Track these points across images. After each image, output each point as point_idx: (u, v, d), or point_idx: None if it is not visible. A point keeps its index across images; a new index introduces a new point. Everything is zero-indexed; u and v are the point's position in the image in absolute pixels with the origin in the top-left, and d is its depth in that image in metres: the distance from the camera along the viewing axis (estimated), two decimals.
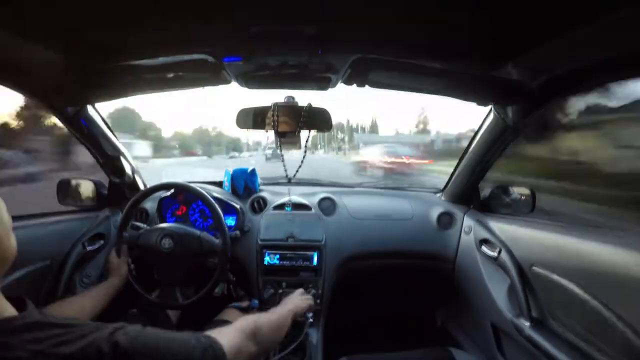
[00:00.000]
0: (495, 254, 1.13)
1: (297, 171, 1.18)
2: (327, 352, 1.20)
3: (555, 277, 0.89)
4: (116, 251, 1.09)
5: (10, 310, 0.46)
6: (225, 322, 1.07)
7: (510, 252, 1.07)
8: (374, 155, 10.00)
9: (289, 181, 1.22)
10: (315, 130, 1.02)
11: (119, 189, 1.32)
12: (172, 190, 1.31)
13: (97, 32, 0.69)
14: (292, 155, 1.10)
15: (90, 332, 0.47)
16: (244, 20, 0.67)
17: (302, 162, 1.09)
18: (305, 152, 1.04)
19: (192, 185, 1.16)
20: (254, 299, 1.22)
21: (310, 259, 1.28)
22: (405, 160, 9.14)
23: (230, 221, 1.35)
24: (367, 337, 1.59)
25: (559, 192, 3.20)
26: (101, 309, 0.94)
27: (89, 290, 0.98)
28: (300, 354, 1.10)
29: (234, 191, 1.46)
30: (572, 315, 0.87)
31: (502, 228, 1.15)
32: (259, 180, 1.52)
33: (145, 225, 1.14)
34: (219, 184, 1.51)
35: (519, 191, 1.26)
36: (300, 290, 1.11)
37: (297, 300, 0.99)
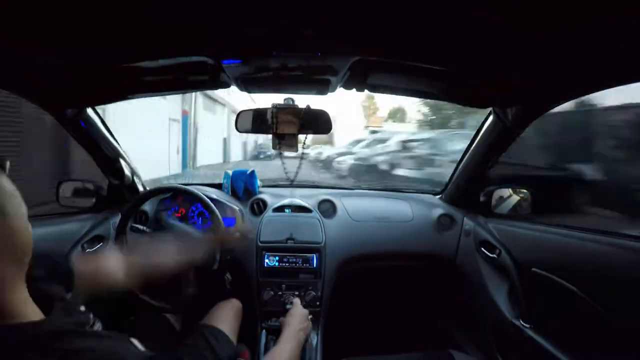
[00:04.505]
0: (495, 255, 1.13)
1: (296, 173, 1.18)
2: (327, 354, 1.19)
3: (555, 278, 0.88)
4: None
5: (35, 313, 0.43)
6: (211, 328, 1.03)
7: (510, 254, 1.07)
8: None
9: (291, 183, 1.21)
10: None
11: (118, 191, 1.32)
12: (171, 192, 1.31)
13: (96, 34, 0.69)
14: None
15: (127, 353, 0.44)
16: (243, 22, 0.67)
17: (300, 164, 1.09)
18: (303, 154, 1.04)
19: (190, 187, 1.16)
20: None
21: (310, 261, 1.28)
22: None
23: (229, 223, 1.34)
24: (366, 339, 1.59)
25: None
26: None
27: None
28: (300, 356, 1.09)
29: (234, 193, 1.46)
30: (572, 317, 0.87)
31: (502, 229, 1.15)
32: (259, 183, 1.52)
33: (144, 228, 1.13)
34: (219, 186, 1.51)
35: (518, 193, 1.26)
36: (306, 312, 1.03)
37: (304, 325, 0.96)
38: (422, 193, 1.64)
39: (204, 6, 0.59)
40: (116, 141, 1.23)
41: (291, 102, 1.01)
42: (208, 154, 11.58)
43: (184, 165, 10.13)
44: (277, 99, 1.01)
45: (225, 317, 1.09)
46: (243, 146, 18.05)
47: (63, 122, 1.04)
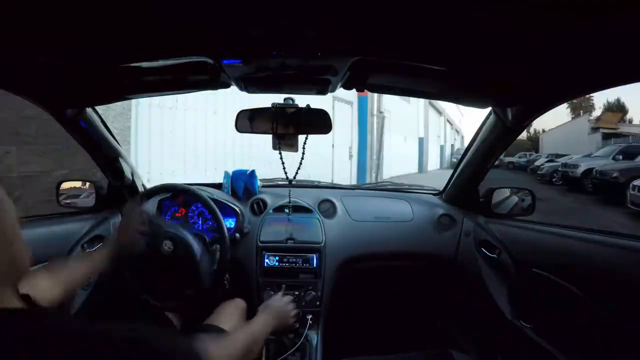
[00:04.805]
0: (495, 255, 1.13)
1: (296, 173, 1.18)
2: (327, 354, 1.19)
3: (555, 278, 0.89)
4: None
5: (18, 304, 0.43)
6: (214, 327, 1.02)
7: (510, 254, 1.07)
8: None
9: (291, 183, 1.21)
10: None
11: (119, 191, 1.32)
12: (171, 192, 1.31)
13: (96, 34, 0.69)
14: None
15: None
16: (243, 22, 0.67)
17: (300, 164, 1.08)
18: (303, 154, 1.04)
19: (191, 187, 1.16)
20: None
21: (310, 261, 1.28)
22: None
23: (229, 223, 1.35)
24: (366, 339, 1.59)
25: None
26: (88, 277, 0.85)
27: (76, 260, 0.87)
28: (300, 356, 1.10)
29: (234, 193, 1.46)
30: (572, 317, 0.87)
31: (502, 229, 1.15)
32: (259, 183, 1.52)
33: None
34: (219, 186, 1.51)
35: (518, 193, 1.26)
36: (288, 298, 1.03)
37: (280, 310, 0.93)
38: (422, 193, 1.64)
39: (203, 6, 0.59)
40: (116, 141, 1.23)
41: (291, 102, 1.01)
42: (396, 159, 7.75)
43: (361, 175, 6.64)
44: (277, 98, 1.01)
45: (230, 317, 1.09)
46: (440, 150, 13.08)
47: (63, 122, 1.04)
